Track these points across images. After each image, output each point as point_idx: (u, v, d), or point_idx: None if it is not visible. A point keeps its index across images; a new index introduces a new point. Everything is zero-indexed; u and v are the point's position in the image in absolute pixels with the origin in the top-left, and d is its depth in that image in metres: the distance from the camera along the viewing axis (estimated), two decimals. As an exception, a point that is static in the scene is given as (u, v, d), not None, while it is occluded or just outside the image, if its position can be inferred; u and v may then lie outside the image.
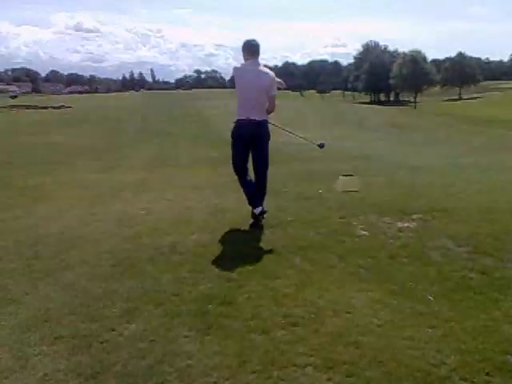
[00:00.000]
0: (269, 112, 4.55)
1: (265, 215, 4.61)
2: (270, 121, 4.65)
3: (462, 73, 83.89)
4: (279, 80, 4.70)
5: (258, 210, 4.53)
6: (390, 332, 2.64)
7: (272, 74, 4.47)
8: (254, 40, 4.56)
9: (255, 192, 4.63)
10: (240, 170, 4.66)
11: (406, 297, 3.08)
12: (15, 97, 62.59)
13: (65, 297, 3.12)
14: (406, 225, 4.44)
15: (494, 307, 2.91)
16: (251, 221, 4.55)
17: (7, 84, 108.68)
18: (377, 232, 4.28)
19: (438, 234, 4.15)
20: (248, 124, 4.45)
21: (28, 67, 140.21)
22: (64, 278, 3.42)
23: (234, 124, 4.58)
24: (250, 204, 4.64)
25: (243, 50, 4.54)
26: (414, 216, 4.63)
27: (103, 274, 3.48)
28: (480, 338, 2.54)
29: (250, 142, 4.55)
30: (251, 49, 4.50)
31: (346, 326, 2.72)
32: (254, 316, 2.83)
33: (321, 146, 5.40)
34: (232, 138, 4.59)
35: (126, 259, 3.73)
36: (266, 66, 4.60)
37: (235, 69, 4.59)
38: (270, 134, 4.60)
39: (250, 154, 4.63)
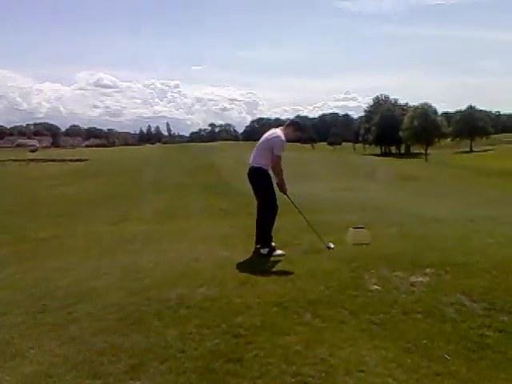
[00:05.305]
0: (273, 167, 5.22)
1: (272, 255, 5.11)
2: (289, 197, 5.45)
3: (473, 125, 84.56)
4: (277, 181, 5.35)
5: (263, 251, 5.16)
6: (404, 394, 2.51)
7: (279, 138, 5.19)
8: (294, 118, 5.69)
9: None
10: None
11: (422, 355, 2.95)
12: (35, 150, 64.55)
13: (69, 351, 3.07)
14: (419, 279, 4.31)
15: (513, 367, 2.78)
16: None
17: (28, 138, 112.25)
18: (389, 286, 4.16)
19: (452, 289, 4.02)
20: (248, 168, 5.31)
21: (49, 122, 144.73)
22: (69, 332, 3.37)
23: None
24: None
25: None
26: (427, 270, 4.51)
27: (109, 327, 3.42)
28: (500, 401, 2.40)
29: (252, 183, 5.34)
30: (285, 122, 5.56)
31: (359, 386, 2.61)
32: (263, 374, 2.74)
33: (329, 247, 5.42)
34: None
35: (133, 313, 3.67)
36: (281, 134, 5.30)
37: None
38: (267, 182, 5.21)
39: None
